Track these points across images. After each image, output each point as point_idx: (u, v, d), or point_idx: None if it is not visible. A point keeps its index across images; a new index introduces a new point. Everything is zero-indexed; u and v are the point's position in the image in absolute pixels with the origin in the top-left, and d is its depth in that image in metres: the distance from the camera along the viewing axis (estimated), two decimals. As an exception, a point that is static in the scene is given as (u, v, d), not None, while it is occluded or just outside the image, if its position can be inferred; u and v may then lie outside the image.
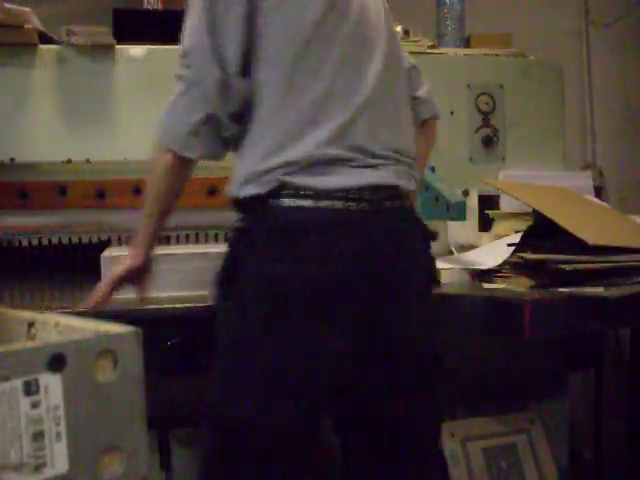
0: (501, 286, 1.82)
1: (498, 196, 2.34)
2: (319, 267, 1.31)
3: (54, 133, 2.11)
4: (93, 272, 1.79)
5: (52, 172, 2.17)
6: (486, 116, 2.41)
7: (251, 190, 1.35)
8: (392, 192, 1.41)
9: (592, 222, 1.97)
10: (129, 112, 2.15)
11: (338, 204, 1.34)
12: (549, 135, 2.48)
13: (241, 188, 1.37)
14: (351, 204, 1.34)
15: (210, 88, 1.36)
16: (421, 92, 1.68)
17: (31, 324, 0.93)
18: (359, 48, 1.44)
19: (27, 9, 2.10)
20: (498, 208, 2.33)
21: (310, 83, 1.37)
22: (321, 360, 1.33)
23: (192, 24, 1.39)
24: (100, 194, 2.19)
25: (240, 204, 1.40)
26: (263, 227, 1.35)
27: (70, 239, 2.20)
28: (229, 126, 1.40)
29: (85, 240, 2.21)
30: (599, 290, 1.67)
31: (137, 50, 2.17)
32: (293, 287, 1.31)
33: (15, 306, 1.44)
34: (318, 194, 1.33)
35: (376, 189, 1.38)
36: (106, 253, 1.80)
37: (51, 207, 2.18)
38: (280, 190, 1.33)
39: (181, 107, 1.39)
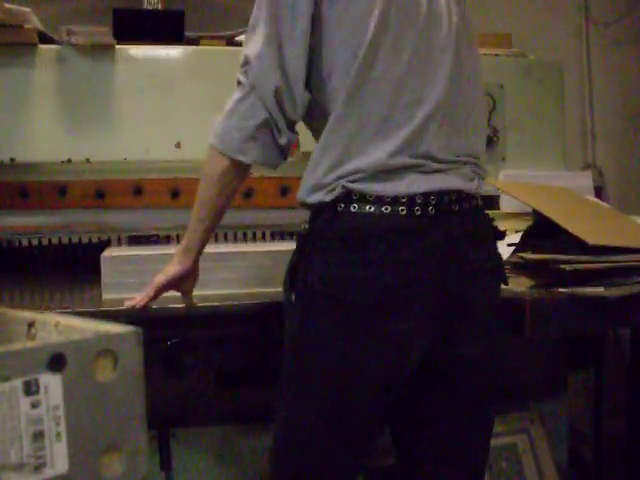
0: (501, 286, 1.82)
1: (498, 196, 2.34)
2: (380, 272, 1.33)
3: (54, 133, 2.11)
4: (93, 272, 1.79)
5: (52, 172, 2.18)
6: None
7: (318, 197, 1.38)
8: (458, 196, 1.40)
9: (592, 222, 1.96)
10: (129, 112, 2.15)
11: (403, 210, 1.35)
12: (549, 135, 2.48)
13: (309, 195, 1.40)
14: (417, 209, 1.35)
15: (269, 95, 1.37)
16: None
17: (31, 324, 0.93)
18: (429, 51, 1.41)
19: (27, 9, 2.10)
20: (498, 208, 2.33)
21: (376, 92, 1.36)
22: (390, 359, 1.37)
23: (257, 31, 1.39)
24: (100, 194, 2.19)
25: (308, 207, 1.42)
26: (329, 231, 1.37)
27: (70, 239, 2.20)
28: (286, 133, 1.41)
29: (85, 240, 2.21)
30: (599, 290, 1.68)
31: (137, 50, 2.17)
32: (355, 290, 1.34)
33: (15, 306, 1.44)
34: (382, 200, 1.35)
35: (442, 194, 1.38)
36: (106, 253, 1.80)
37: (51, 207, 2.18)
38: (346, 197, 1.36)
39: (239, 112, 1.39)
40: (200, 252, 1.54)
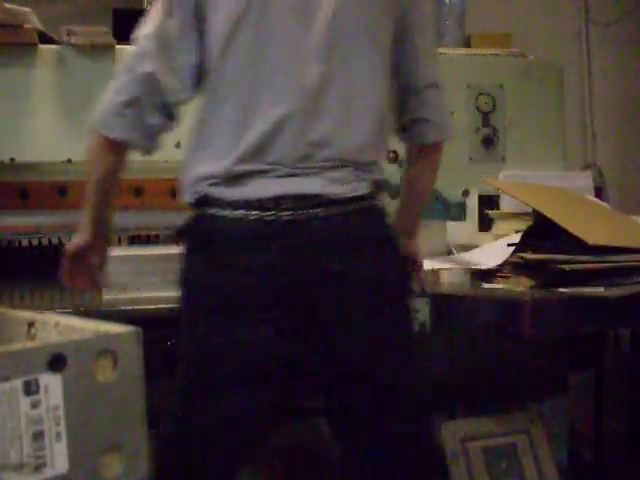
0: (501, 286, 1.82)
1: (498, 196, 2.34)
2: (228, 276, 1.33)
3: (54, 133, 2.11)
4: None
5: (52, 172, 2.17)
6: (486, 116, 2.41)
7: (186, 198, 1.41)
8: (320, 200, 1.35)
9: (592, 222, 1.97)
10: (129, 112, 2.15)
11: (255, 215, 1.34)
12: (549, 135, 2.48)
13: (184, 195, 1.42)
14: (268, 214, 1.34)
15: (144, 75, 1.37)
16: (430, 113, 1.53)
17: (31, 324, 0.93)
18: (292, 51, 1.37)
19: (27, 9, 2.10)
20: (498, 208, 2.33)
21: (230, 95, 1.37)
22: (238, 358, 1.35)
23: (152, 13, 1.43)
24: (100, 194, 2.19)
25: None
26: (190, 233, 1.40)
27: (70, 239, 2.20)
28: (156, 115, 1.40)
29: (85, 240, 2.20)
30: (599, 290, 1.68)
31: (137, 50, 2.17)
32: (206, 295, 1.35)
33: (15, 306, 1.43)
34: (235, 204, 1.35)
35: (298, 198, 1.34)
36: (106, 253, 1.79)
37: (51, 207, 2.17)
38: (205, 200, 1.37)
39: (113, 88, 1.41)
40: (97, 227, 1.52)
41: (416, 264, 1.66)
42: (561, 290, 1.69)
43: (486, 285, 1.87)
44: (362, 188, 1.40)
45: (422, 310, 1.76)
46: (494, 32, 2.60)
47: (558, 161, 2.49)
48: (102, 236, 1.53)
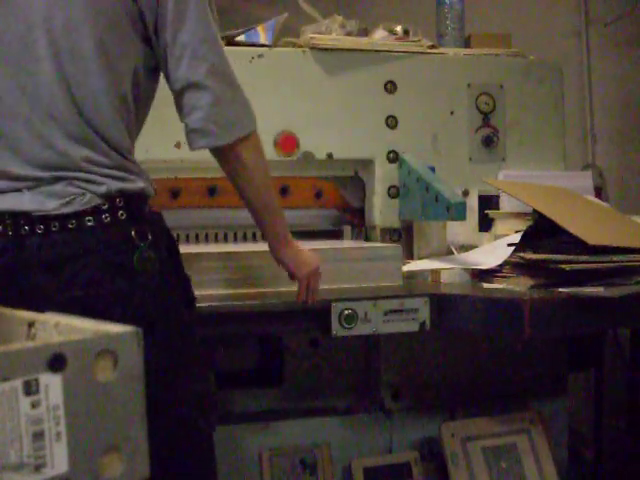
0: (501, 286, 1.83)
1: (498, 196, 2.34)
2: None
3: None
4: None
5: None
6: (486, 116, 2.41)
7: None
8: (29, 218, 1.31)
9: (592, 222, 1.97)
10: (129, 112, 2.14)
11: None
12: (549, 135, 2.48)
13: None
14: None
15: None
16: (189, 119, 1.38)
17: (31, 324, 0.93)
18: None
19: None
20: (498, 208, 2.33)
21: None
22: None
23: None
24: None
25: None
26: None
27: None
28: None
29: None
30: (599, 290, 1.68)
31: (137, 50, 2.17)
32: None
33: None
34: None
35: (16, 215, 1.32)
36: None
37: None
38: None
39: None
40: None
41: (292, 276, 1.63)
42: (561, 290, 1.69)
43: (486, 285, 1.87)
44: (76, 202, 1.33)
45: (422, 310, 1.76)
46: (494, 32, 2.59)
47: (558, 161, 2.49)
48: None
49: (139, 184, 1.36)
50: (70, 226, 1.30)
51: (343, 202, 2.39)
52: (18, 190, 1.32)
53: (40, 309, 0.97)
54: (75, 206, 1.31)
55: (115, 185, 1.33)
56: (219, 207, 2.26)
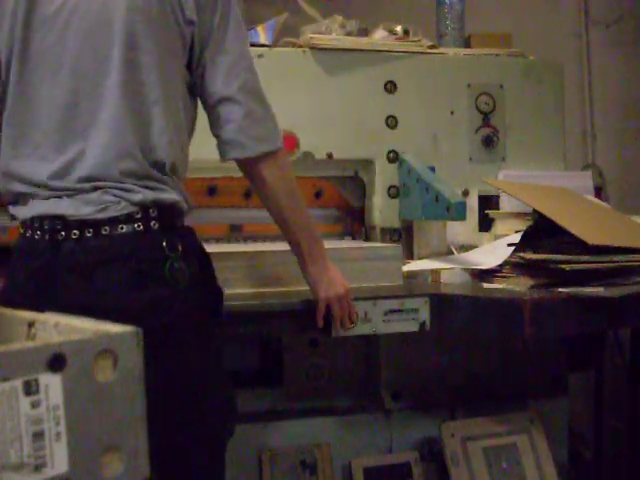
0: (501, 286, 1.83)
1: (498, 196, 2.34)
2: (6, 288, 1.41)
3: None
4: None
5: None
6: (486, 116, 2.41)
7: None
8: (65, 222, 1.34)
9: (592, 222, 1.97)
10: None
11: (28, 232, 1.38)
12: (549, 135, 2.48)
13: None
14: (36, 233, 1.37)
15: None
16: (223, 131, 1.45)
17: (31, 324, 0.93)
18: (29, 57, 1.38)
19: None
20: (498, 208, 2.33)
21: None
22: None
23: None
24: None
25: None
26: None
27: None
28: None
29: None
30: (599, 290, 1.68)
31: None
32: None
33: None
34: (21, 221, 1.41)
35: (53, 219, 1.36)
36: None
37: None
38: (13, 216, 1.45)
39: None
40: None
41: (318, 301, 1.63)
42: (561, 290, 1.69)
43: (486, 285, 1.87)
44: (110, 210, 1.36)
45: (422, 310, 1.76)
46: (494, 32, 2.59)
47: (558, 161, 2.49)
48: None
49: (174, 196, 1.39)
50: (104, 232, 1.33)
51: (343, 202, 2.39)
52: (58, 197, 1.37)
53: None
54: (109, 212, 1.34)
55: (150, 195, 1.36)
56: (219, 207, 2.26)
